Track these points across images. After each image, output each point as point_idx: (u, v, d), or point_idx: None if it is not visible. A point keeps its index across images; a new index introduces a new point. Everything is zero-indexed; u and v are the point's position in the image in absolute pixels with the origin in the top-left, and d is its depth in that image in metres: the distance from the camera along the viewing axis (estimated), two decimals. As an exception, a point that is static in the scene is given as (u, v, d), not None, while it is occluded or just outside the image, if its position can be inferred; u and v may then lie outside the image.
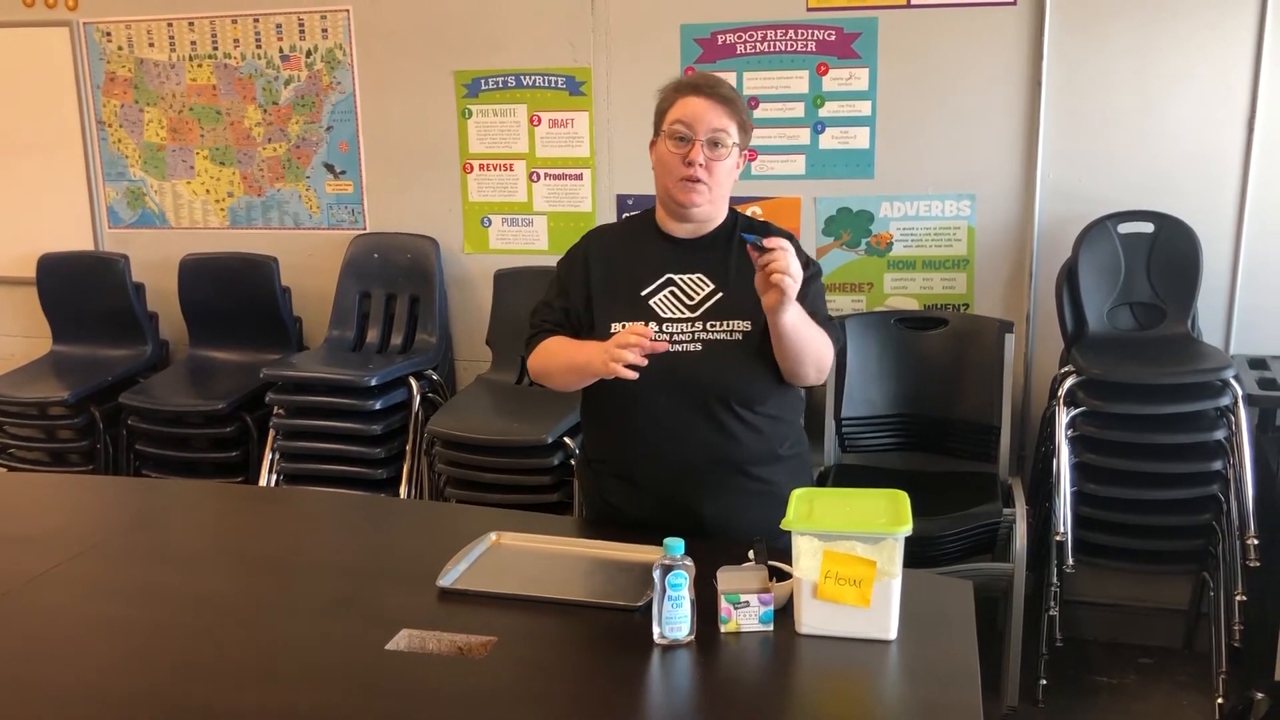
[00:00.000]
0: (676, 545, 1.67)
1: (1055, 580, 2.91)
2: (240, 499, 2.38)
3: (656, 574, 1.65)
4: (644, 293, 2.02)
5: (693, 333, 1.98)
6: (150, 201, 4.00)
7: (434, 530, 2.19)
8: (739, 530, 2.00)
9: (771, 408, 2.03)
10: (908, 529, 1.67)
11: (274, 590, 1.89)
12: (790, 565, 1.72)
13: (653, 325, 1.97)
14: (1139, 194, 3.09)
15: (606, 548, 1.98)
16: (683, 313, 2.00)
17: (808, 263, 2.04)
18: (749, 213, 3.36)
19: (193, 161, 3.92)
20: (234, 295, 3.75)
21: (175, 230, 3.99)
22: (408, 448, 3.41)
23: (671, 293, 2.03)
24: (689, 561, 1.66)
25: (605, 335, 1.97)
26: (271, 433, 3.45)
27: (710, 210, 2.03)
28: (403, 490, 3.38)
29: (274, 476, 3.46)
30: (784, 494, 2.04)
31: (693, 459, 2.00)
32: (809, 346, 1.93)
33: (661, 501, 2.02)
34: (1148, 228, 3.05)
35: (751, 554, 1.85)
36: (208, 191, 3.93)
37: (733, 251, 2.04)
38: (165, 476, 3.62)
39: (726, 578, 1.74)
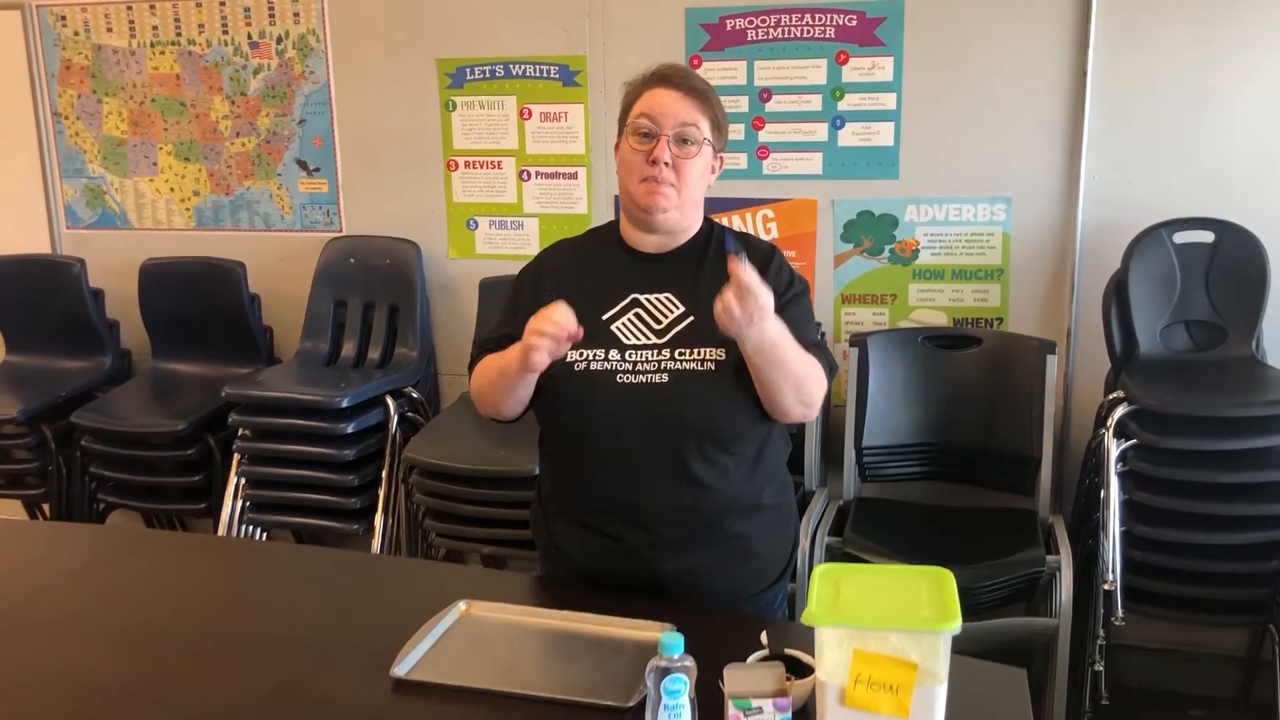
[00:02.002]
0: (675, 644, 1.38)
1: (1101, 631, 2.61)
2: (175, 551, 2.09)
3: (650, 679, 1.36)
4: (605, 316, 1.78)
5: (659, 361, 1.73)
6: (110, 200, 3.70)
7: (397, 593, 1.90)
8: (705, 591, 1.77)
9: (750, 450, 1.78)
10: (956, 625, 1.38)
11: (198, 676, 1.59)
12: (810, 655, 1.43)
13: (615, 353, 1.74)
14: (1197, 199, 2.79)
15: (595, 622, 1.70)
16: (649, 338, 1.76)
17: (790, 280, 1.81)
18: (758, 222, 3.11)
19: (155, 157, 3.62)
20: (198, 304, 3.46)
21: (138, 231, 3.69)
22: (384, 474, 3.11)
23: (637, 315, 1.78)
24: (689, 662, 1.37)
25: (562, 365, 1.73)
26: (236, 456, 3.16)
27: (679, 218, 1.78)
28: (378, 521, 3.09)
29: (239, 504, 3.18)
30: (760, 549, 1.82)
31: (654, 506, 1.75)
32: (786, 369, 1.67)
33: (615, 552, 1.78)
34: (1207, 237, 2.76)
35: (764, 639, 1.56)
36: (172, 190, 3.63)
37: (706, 267, 1.80)
38: (122, 501, 3.35)
39: (735, 677, 1.44)
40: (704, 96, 1.76)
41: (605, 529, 1.79)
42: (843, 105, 3.03)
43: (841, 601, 1.46)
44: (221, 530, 3.18)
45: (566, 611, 1.73)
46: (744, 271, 1.53)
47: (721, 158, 1.82)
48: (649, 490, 1.75)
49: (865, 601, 1.46)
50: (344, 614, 1.82)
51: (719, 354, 1.73)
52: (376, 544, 3.07)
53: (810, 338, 1.77)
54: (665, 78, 1.75)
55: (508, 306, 1.88)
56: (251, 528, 3.22)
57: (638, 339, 1.76)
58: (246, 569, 2.01)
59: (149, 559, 2.06)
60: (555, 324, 1.60)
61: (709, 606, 1.76)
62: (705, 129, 1.75)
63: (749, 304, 1.54)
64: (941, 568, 1.53)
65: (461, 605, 1.76)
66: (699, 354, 1.73)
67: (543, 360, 1.62)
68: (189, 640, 1.71)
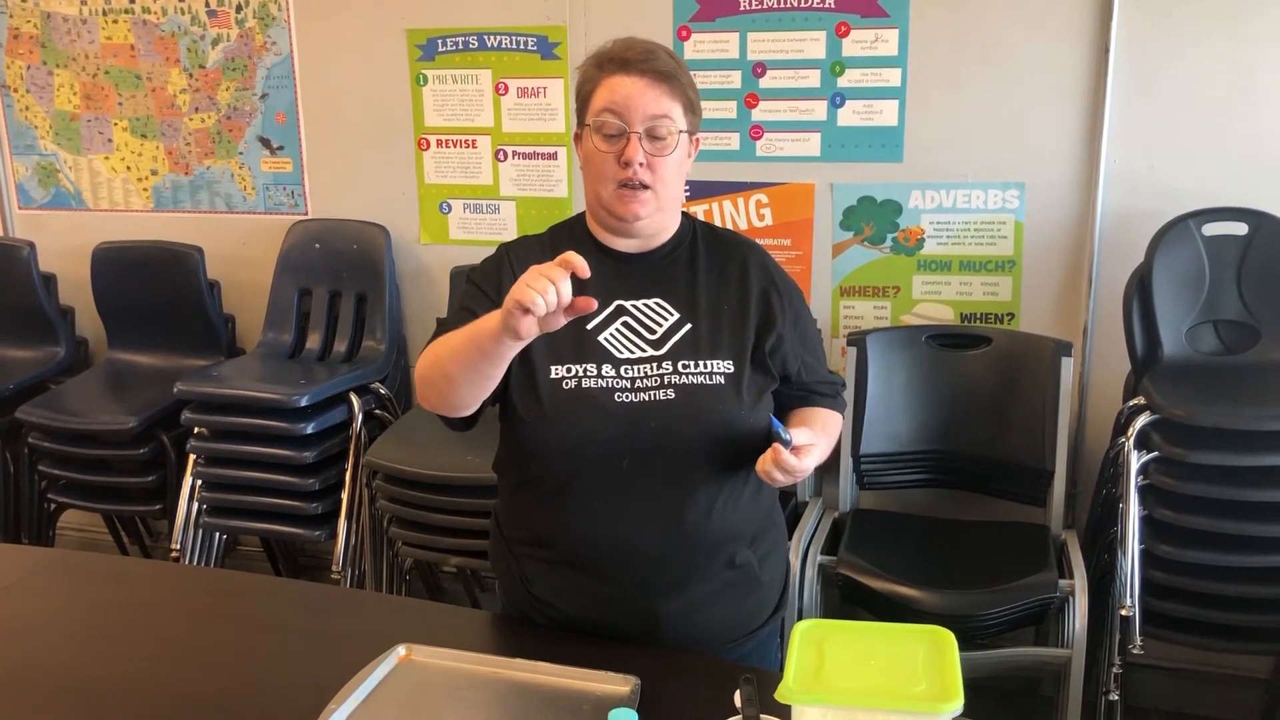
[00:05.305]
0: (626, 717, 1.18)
1: (1116, 659, 2.40)
2: (94, 580, 1.88)
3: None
4: (590, 326, 1.57)
5: (660, 376, 1.54)
6: (64, 179, 3.48)
7: (329, 634, 1.69)
8: (703, 631, 1.60)
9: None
10: (959, 704, 1.18)
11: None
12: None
13: (608, 368, 1.54)
14: (1229, 187, 2.56)
15: (550, 673, 1.50)
16: (644, 350, 1.56)
17: (797, 296, 1.68)
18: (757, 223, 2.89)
19: (110, 133, 3.39)
20: (154, 291, 3.24)
21: (94, 213, 3.47)
22: (347, 477, 2.91)
23: (625, 324, 1.58)
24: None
25: (546, 382, 1.54)
26: (191, 457, 2.95)
27: (660, 220, 1.59)
28: (341, 527, 2.88)
29: (195, 506, 2.98)
30: (763, 577, 1.65)
31: (657, 541, 1.56)
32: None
33: (608, 596, 1.59)
34: (1240, 229, 2.52)
35: (738, 699, 1.36)
36: (129, 168, 3.41)
37: (699, 271, 1.62)
38: (74, 502, 3.16)
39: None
40: (672, 79, 1.53)
41: (597, 570, 1.58)
42: (843, 81, 2.79)
43: (825, 671, 1.25)
44: (177, 534, 2.98)
45: (518, 660, 1.53)
46: (787, 461, 1.45)
47: (698, 139, 1.61)
48: (652, 522, 1.56)
49: (853, 671, 1.26)
50: (264, 660, 1.61)
51: (727, 365, 1.55)
52: (339, 552, 2.87)
53: (823, 372, 1.67)
54: (626, 62, 1.53)
55: (464, 307, 1.57)
56: (209, 532, 3.03)
57: (632, 352, 1.56)
58: (157, 603, 1.80)
59: (53, 584, 1.86)
60: (555, 278, 1.27)
61: (700, 650, 1.57)
62: (679, 117, 1.54)
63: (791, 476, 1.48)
64: (942, 628, 1.34)
65: (400, 650, 1.57)
66: (705, 366, 1.55)
67: (529, 328, 1.30)
68: (75, 690, 1.51)
